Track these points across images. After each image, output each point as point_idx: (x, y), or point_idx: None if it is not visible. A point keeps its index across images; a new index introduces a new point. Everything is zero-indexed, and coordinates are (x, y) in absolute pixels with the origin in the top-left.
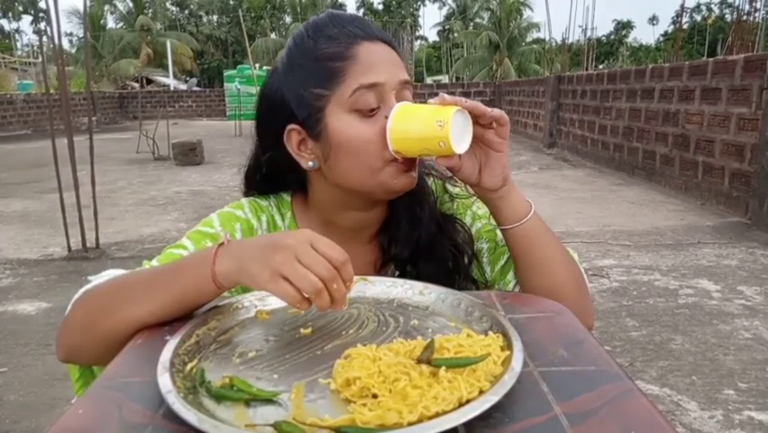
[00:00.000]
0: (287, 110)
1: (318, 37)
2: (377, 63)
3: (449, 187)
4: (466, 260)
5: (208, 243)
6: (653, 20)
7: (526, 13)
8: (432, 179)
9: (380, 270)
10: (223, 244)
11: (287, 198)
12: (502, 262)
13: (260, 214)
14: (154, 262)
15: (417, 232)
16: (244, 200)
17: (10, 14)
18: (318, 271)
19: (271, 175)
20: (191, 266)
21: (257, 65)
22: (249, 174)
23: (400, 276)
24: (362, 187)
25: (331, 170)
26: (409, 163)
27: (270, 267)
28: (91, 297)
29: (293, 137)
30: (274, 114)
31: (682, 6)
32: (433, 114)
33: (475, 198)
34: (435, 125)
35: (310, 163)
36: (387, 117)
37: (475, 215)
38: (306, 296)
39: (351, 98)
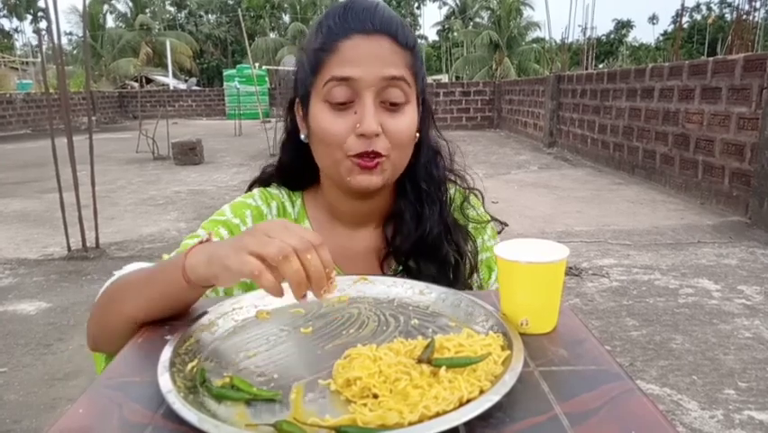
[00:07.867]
0: (296, 85)
1: (323, 25)
2: (358, 58)
3: (466, 205)
4: (468, 268)
5: (221, 229)
6: (653, 19)
7: (526, 12)
8: (455, 187)
9: (384, 260)
10: (202, 241)
11: (297, 192)
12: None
13: (271, 201)
14: (173, 255)
15: (422, 229)
16: (255, 190)
17: (13, 14)
18: (289, 241)
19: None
20: (171, 262)
21: (256, 64)
22: (282, 154)
23: (402, 270)
24: (329, 174)
25: (312, 150)
26: (370, 166)
27: (237, 246)
28: (105, 292)
29: (299, 109)
30: (294, 83)
31: (682, 6)
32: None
33: (490, 225)
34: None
35: (302, 136)
36: (356, 113)
37: (485, 245)
38: (274, 264)
39: (324, 88)
